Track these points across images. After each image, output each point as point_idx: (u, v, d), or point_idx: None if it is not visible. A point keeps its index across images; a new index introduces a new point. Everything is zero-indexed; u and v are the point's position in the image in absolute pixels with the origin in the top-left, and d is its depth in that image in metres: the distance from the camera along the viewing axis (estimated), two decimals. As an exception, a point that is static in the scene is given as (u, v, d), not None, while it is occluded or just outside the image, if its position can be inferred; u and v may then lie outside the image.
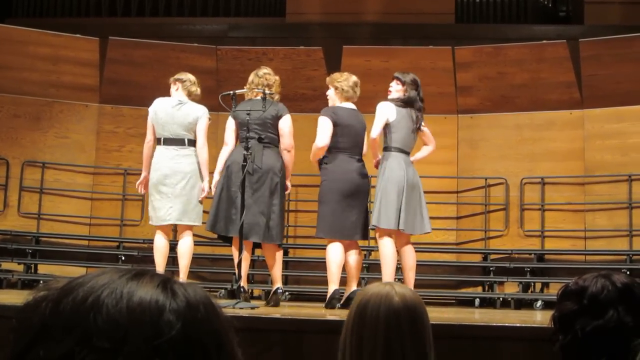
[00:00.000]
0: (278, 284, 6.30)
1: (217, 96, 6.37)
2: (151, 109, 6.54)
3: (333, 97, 6.49)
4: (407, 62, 9.06)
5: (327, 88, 6.55)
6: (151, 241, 6.77)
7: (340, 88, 6.44)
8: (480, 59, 9.17)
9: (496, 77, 9.12)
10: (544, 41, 9.24)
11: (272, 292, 6.31)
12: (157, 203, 6.36)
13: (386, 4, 10.79)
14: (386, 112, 6.27)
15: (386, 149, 6.30)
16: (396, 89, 6.39)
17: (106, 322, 0.77)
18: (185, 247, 6.38)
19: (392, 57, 9.22)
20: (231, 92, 6.21)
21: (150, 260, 6.44)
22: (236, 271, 5.95)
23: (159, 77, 8.91)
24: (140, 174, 6.62)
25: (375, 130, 6.23)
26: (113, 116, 9.42)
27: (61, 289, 0.81)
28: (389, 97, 6.39)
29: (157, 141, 6.45)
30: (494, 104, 9.14)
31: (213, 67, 9.26)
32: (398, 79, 6.42)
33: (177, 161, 6.38)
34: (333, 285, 6.18)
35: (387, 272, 6.07)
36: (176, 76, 6.64)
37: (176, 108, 6.48)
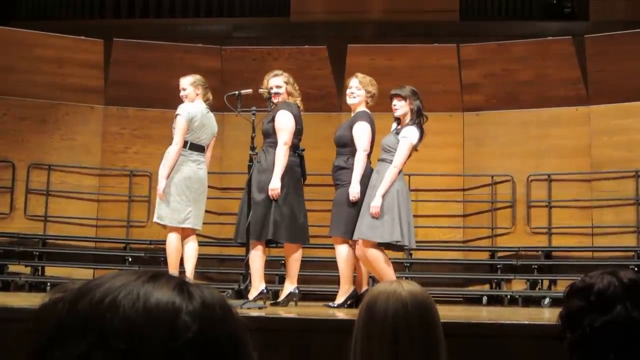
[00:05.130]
0: (294, 284, 6.28)
1: (222, 96, 6.38)
2: (187, 113, 6.41)
3: (361, 99, 6.34)
4: (412, 60, 9.06)
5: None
6: (158, 242, 6.80)
7: (372, 94, 6.35)
8: (485, 56, 9.16)
9: (501, 74, 9.11)
10: (549, 38, 9.22)
11: (288, 293, 6.30)
12: (176, 205, 6.39)
13: (390, 2, 10.77)
14: (413, 139, 6.06)
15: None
16: (400, 105, 6.15)
17: (123, 323, 0.77)
18: (193, 249, 6.48)
19: (397, 55, 9.21)
20: (236, 92, 6.22)
21: (158, 261, 6.45)
22: (259, 273, 6.07)
23: (164, 78, 8.93)
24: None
25: (402, 162, 6.03)
26: (118, 118, 9.43)
27: (78, 290, 0.81)
28: (396, 114, 6.19)
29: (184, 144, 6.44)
30: (499, 101, 9.12)
31: (218, 68, 9.27)
32: (397, 95, 6.15)
33: (200, 167, 6.48)
34: (350, 286, 6.21)
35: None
36: (198, 81, 6.59)
37: (207, 116, 6.54)
